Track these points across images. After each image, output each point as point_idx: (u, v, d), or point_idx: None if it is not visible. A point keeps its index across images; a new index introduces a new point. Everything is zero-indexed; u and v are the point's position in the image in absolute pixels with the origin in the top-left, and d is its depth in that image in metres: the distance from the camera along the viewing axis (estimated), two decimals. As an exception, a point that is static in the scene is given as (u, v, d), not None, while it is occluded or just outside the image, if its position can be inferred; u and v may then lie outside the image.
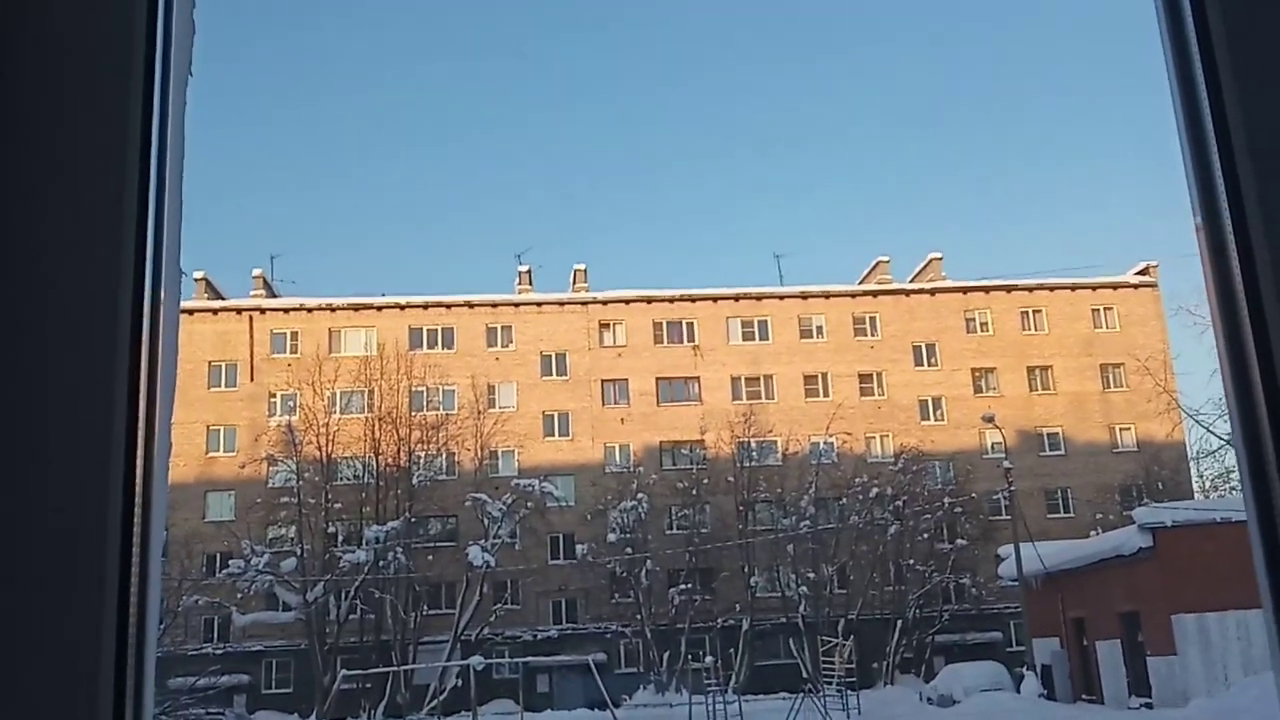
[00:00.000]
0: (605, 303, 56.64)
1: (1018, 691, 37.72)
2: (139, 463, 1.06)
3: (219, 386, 53.24)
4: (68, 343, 1.07)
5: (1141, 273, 58.33)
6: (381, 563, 45.77)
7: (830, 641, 40.98)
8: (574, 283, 58.36)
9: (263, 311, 55.06)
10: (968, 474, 52.27)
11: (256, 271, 57.29)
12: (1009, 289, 57.84)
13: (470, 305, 55.99)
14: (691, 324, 56.64)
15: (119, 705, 1.01)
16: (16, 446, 1.04)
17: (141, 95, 1.11)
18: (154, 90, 1.12)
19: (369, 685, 43.18)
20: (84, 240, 1.09)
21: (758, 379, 55.66)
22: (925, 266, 60.06)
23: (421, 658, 44.60)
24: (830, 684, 38.47)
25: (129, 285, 1.09)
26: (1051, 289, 57.82)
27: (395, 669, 42.07)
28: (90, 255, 1.08)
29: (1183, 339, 61.30)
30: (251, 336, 54.22)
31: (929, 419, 55.55)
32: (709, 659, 42.83)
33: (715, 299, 56.87)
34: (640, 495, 50.15)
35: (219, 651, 44.01)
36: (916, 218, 75.18)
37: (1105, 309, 57.90)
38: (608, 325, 56.47)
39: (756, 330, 56.86)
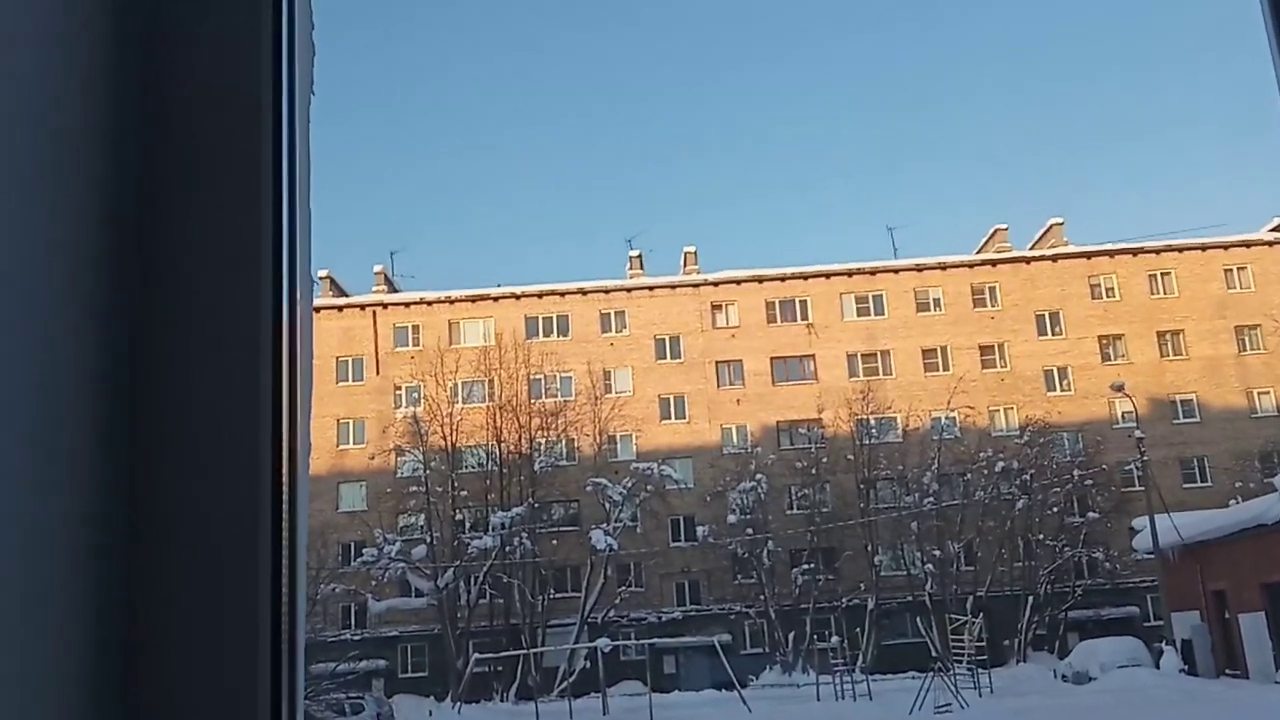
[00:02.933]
0: (716, 284, 56.52)
1: (1157, 667, 36.64)
2: (284, 463, 1.13)
3: (346, 381, 54.78)
4: (213, 349, 1.13)
5: (1276, 229, 55.72)
6: (508, 548, 46.67)
7: (959, 619, 40.32)
8: (685, 265, 58.37)
9: (385, 306, 56.44)
10: (1098, 445, 50.78)
11: (378, 268, 58.68)
12: (1135, 252, 55.86)
13: (583, 292, 56.47)
14: (805, 301, 56.15)
15: (275, 697, 1.08)
16: (170, 453, 1.11)
17: (271, 116, 1.17)
18: (281, 111, 1.18)
19: (500, 668, 44.11)
20: (225, 251, 1.15)
21: (874, 355, 54.92)
22: (1046, 232, 58.39)
23: (550, 640, 45.36)
24: (960, 662, 37.87)
25: (269, 292, 1.15)
26: (1180, 250, 55.65)
27: (525, 652, 42.89)
28: (232, 265, 1.15)
29: (1324, 296, 58.45)
30: (375, 331, 55.65)
31: (1055, 389, 54.10)
32: (835, 638, 42.60)
33: (828, 275, 56.25)
34: (759, 476, 50.03)
35: (357, 638, 45.47)
36: (1035, 182, 73.04)
37: (1239, 268, 55.51)
38: (720, 306, 56.37)
39: (871, 305, 56.08)
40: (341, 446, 53.45)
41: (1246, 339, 54.36)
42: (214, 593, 1.08)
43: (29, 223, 1.02)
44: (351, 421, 54.04)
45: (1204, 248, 55.59)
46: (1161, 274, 55.78)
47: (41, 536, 0.99)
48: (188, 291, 1.15)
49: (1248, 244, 55.64)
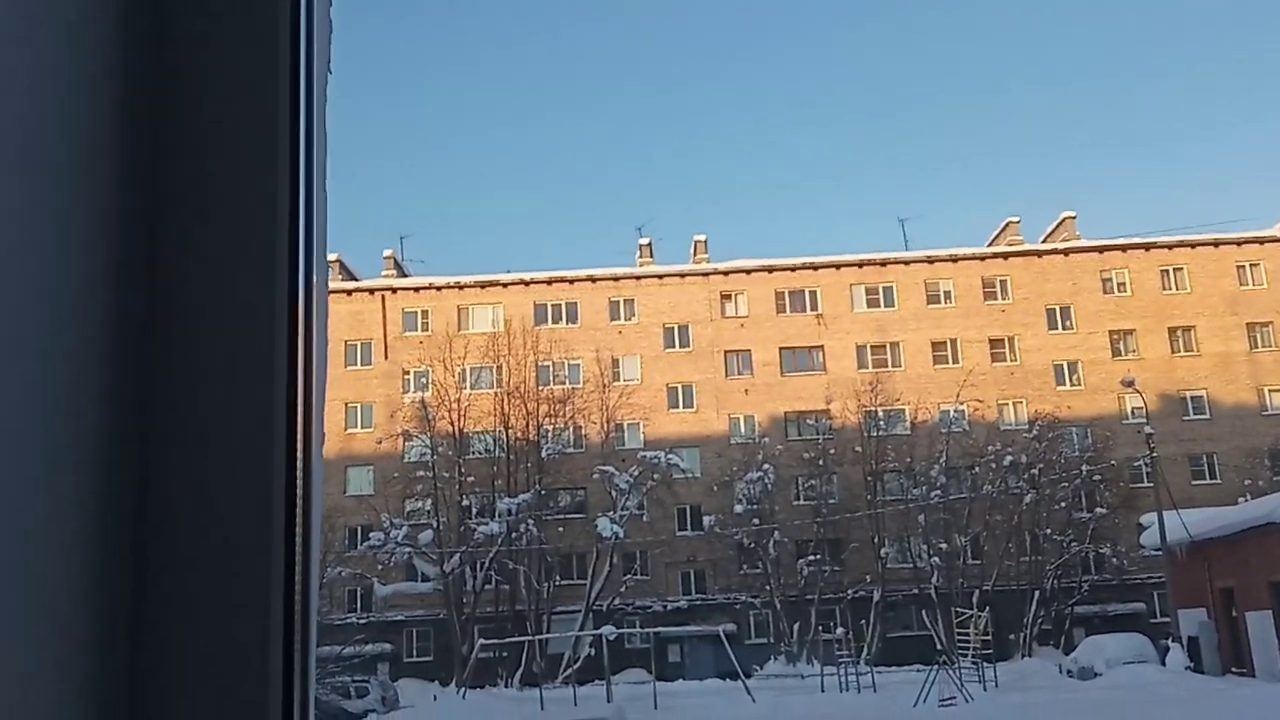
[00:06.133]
0: (726, 273, 56.42)
1: (1163, 664, 36.56)
2: (299, 451, 1.10)
3: (355, 365, 54.85)
4: (227, 334, 1.10)
5: (1290, 225, 55.46)
6: (514, 534, 46.76)
7: (965, 613, 40.26)
8: (694, 254, 58.28)
9: (394, 291, 56.47)
10: (1107, 440, 50.64)
11: (387, 252, 58.80)
12: (1147, 247, 55.64)
13: (593, 279, 56.40)
14: (814, 292, 56.01)
15: (288, 687, 1.05)
16: (181, 442, 1.08)
17: (289, 94, 1.14)
18: (299, 89, 1.15)
19: (505, 654, 44.23)
20: (241, 233, 1.12)
21: (884, 346, 54.78)
22: (1058, 226, 58.17)
23: (555, 627, 45.46)
24: (965, 656, 37.83)
25: (284, 276, 1.12)
26: (1193, 246, 55.41)
27: (530, 638, 42.98)
28: (247, 248, 1.12)
29: (1337, 294, 58.11)
30: (384, 316, 55.68)
31: (1065, 384, 53.94)
32: (840, 630, 42.59)
33: (838, 266, 56.09)
34: (766, 466, 49.98)
35: (363, 621, 45.61)
36: (1048, 175, 72.84)
37: (1251, 265, 55.27)
38: (729, 296, 56.26)
39: (881, 297, 55.91)
40: (349, 430, 53.54)
41: (1258, 336, 54.16)
42: (225, 583, 1.05)
43: (35, 218, 0.99)
44: (360, 406, 54.13)
45: (1216, 244, 55.35)
46: (1174, 269, 55.55)
47: (47, 525, 0.97)
48: (203, 274, 1.12)
49: (1261, 240, 55.39)
